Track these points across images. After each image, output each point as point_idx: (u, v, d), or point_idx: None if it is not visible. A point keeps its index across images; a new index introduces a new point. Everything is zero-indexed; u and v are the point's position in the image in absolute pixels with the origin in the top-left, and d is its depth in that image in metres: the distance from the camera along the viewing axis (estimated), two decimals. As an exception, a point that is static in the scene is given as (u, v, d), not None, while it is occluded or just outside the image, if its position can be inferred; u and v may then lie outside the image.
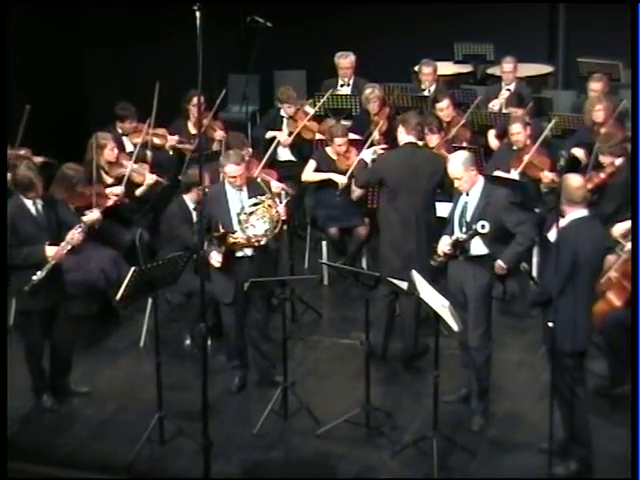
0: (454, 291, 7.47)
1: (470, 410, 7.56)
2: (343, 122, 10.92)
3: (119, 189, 9.40)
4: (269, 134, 10.75)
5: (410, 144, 8.24)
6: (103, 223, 9.16)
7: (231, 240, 7.67)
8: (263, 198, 7.76)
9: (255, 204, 7.74)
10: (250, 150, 9.29)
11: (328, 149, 10.00)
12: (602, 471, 6.90)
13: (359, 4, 13.31)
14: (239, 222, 7.70)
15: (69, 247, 7.58)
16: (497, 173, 9.44)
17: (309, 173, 9.94)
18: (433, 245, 7.63)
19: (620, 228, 8.28)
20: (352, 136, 10.26)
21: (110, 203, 9.31)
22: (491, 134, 10.40)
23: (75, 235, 7.60)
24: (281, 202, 8.17)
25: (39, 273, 7.47)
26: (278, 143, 10.61)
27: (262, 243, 7.74)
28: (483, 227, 7.14)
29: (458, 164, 7.31)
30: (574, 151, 9.83)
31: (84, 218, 8.78)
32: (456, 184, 7.34)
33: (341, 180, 9.72)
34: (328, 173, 9.86)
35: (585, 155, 9.74)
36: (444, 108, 10.49)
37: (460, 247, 7.33)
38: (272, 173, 9.67)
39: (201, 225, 6.91)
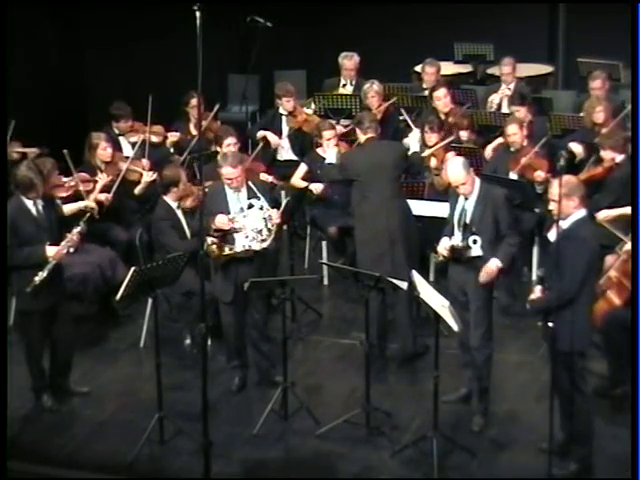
0: (455, 291, 7.48)
1: (470, 410, 7.56)
2: (343, 122, 10.95)
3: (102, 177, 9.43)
4: (260, 133, 10.74)
5: (371, 139, 8.44)
6: (102, 222, 9.19)
7: (215, 249, 7.67)
8: (257, 201, 7.75)
9: (249, 206, 7.73)
10: (235, 140, 9.19)
11: (319, 150, 9.99)
12: (602, 471, 6.90)
13: (359, 4, 13.31)
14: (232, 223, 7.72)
15: (69, 246, 7.58)
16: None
17: (297, 179, 9.87)
18: (434, 245, 7.67)
19: (605, 214, 8.52)
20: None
21: (99, 186, 9.30)
22: (489, 147, 10.29)
23: (74, 235, 7.61)
24: (280, 204, 8.16)
25: (41, 274, 7.47)
26: (272, 145, 10.58)
27: (256, 248, 7.73)
28: (475, 242, 7.23)
29: (460, 169, 7.30)
30: (571, 145, 9.83)
31: (66, 207, 8.75)
32: (461, 190, 7.33)
33: (316, 187, 9.69)
34: (307, 183, 9.81)
35: (583, 150, 9.74)
36: (441, 97, 10.50)
37: (457, 253, 7.33)
38: (259, 166, 9.64)
39: (201, 225, 6.90)
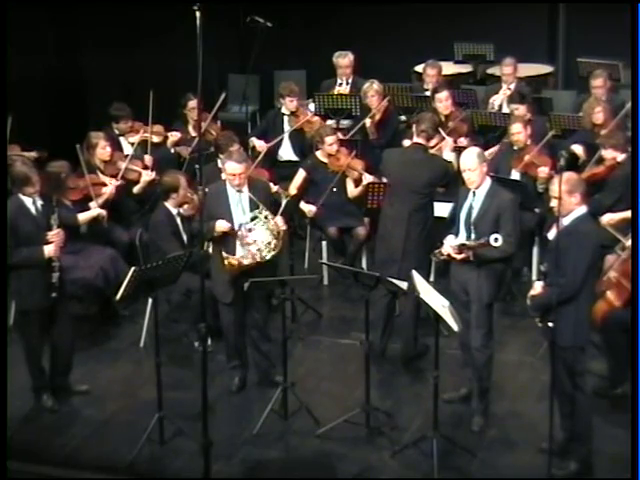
0: (456, 290, 7.47)
1: (470, 410, 7.56)
2: (343, 122, 10.94)
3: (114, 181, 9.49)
4: (251, 142, 10.66)
5: (416, 144, 8.30)
6: (99, 221, 9.21)
7: (235, 263, 7.66)
8: (260, 211, 7.73)
9: (252, 218, 7.72)
10: (239, 146, 9.11)
11: (318, 153, 9.96)
12: (602, 471, 6.91)
13: (359, 4, 13.30)
14: (238, 237, 7.70)
15: (59, 244, 7.59)
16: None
17: (293, 188, 9.65)
18: (437, 244, 7.63)
19: (608, 218, 8.56)
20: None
21: (109, 190, 9.34)
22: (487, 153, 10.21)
23: (56, 233, 7.61)
24: (280, 204, 8.15)
25: (55, 275, 7.53)
26: (258, 149, 10.52)
27: (267, 258, 7.73)
28: (496, 240, 7.02)
29: (473, 157, 7.30)
30: (573, 147, 9.87)
31: (80, 216, 8.85)
32: (467, 177, 7.29)
33: (309, 209, 9.57)
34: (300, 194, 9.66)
35: (584, 152, 9.77)
36: (443, 99, 10.50)
37: (466, 251, 7.28)
38: (264, 173, 9.61)
39: (202, 226, 6.89)
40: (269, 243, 7.72)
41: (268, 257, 7.73)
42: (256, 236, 7.69)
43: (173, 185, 8.66)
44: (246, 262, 7.67)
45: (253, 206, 7.77)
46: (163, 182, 8.84)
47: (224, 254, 7.63)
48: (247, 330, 7.99)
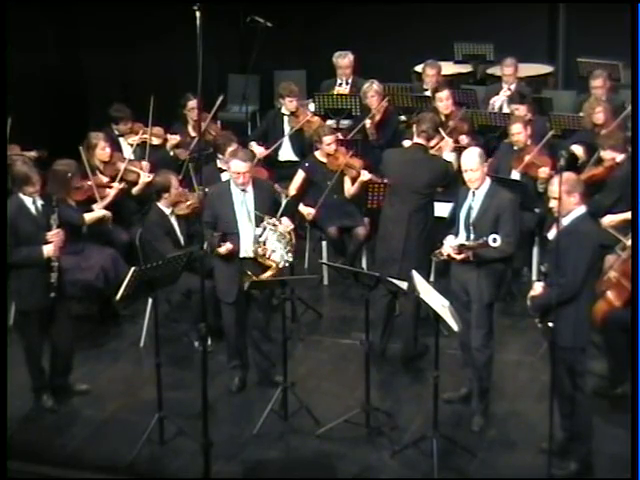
0: (457, 290, 7.47)
1: (470, 410, 7.56)
2: (343, 122, 10.93)
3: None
4: (250, 146, 10.64)
5: (417, 145, 8.30)
6: (104, 222, 9.22)
7: (265, 277, 7.69)
8: (265, 222, 7.72)
9: (262, 232, 7.71)
10: (237, 146, 9.10)
11: (317, 153, 9.96)
12: (602, 471, 6.91)
13: (359, 4, 13.31)
14: (257, 254, 7.70)
15: (59, 244, 7.60)
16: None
17: (292, 189, 9.78)
18: (437, 244, 7.63)
19: (610, 219, 8.57)
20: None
21: (113, 193, 9.38)
22: None
23: (55, 233, 7.62)
24: (280, 204, 8.15)
25: (53, 275, 7.53)
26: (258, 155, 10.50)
27: (291, 260, 7.79)
28: (495, 240, 7.03)
29: (475, 157, 7.30)
30: (573, 148, 9.87)
31: (86, 216, 8.88)
32: (468, 177, 7.29)
33: (308, 212, 9.63)
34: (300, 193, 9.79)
35: (584, 152, 9.78)
36: (444, 98, 10.50)
37: (466, 251, 7.28)
38: (263, 172, 9.61)
39: (201, 224, 6.89)
40: (286, 245, 7.73)
41: (291, 259, 7.79)
42: (272, 245, 7.70)
43: (164, 185, 8.69)
44: (271, 272, 7.72)
45: (257, 207, 7.76)
46: (154, 182, 8.89)
47: (248, 272, 7.63)
48: (248, 330, 7.99)
